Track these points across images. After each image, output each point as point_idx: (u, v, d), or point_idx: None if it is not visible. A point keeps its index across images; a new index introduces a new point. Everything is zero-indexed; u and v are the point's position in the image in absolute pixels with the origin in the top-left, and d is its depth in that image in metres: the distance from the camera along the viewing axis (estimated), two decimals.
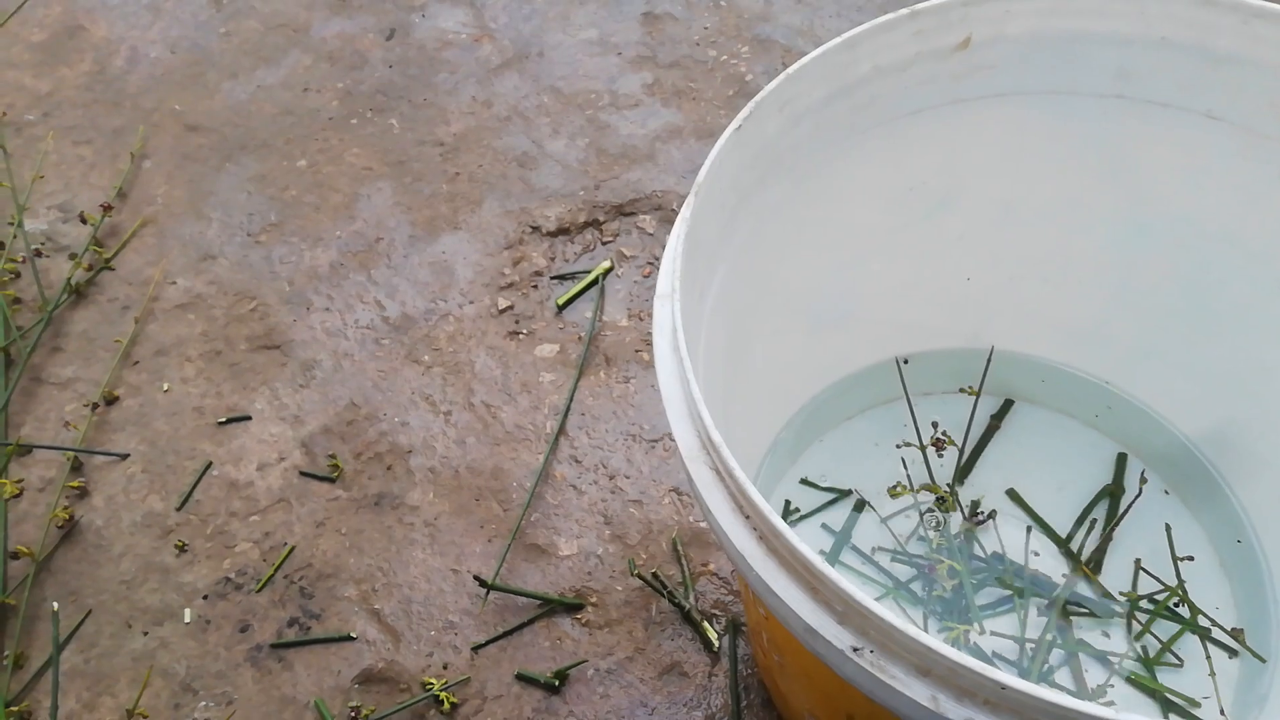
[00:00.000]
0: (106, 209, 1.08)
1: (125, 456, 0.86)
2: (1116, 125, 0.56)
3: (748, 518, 0.38)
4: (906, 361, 0.73)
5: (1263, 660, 0.59)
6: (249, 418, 0.87)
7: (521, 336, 0.92)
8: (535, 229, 1.02)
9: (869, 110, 0.54)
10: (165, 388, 0.91)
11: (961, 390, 0.74)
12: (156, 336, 0.96)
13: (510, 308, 0.94)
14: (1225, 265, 0.59)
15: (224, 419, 0.87)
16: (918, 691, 0.34)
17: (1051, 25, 0.54)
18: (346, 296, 0.97)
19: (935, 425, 0.72)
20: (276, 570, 0.77)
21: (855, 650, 0.34)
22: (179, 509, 0.81)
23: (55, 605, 0.75)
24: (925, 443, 0.71)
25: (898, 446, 0.72)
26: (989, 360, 0.71)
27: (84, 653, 0.74)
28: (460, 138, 1.12)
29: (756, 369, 0.65)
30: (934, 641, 0.32)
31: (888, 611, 0.33)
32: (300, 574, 0.77)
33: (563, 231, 1.02)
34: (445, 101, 1.17)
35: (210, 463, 0.84)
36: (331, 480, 0.82)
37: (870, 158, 0.57)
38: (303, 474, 0.83)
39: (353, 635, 0.72)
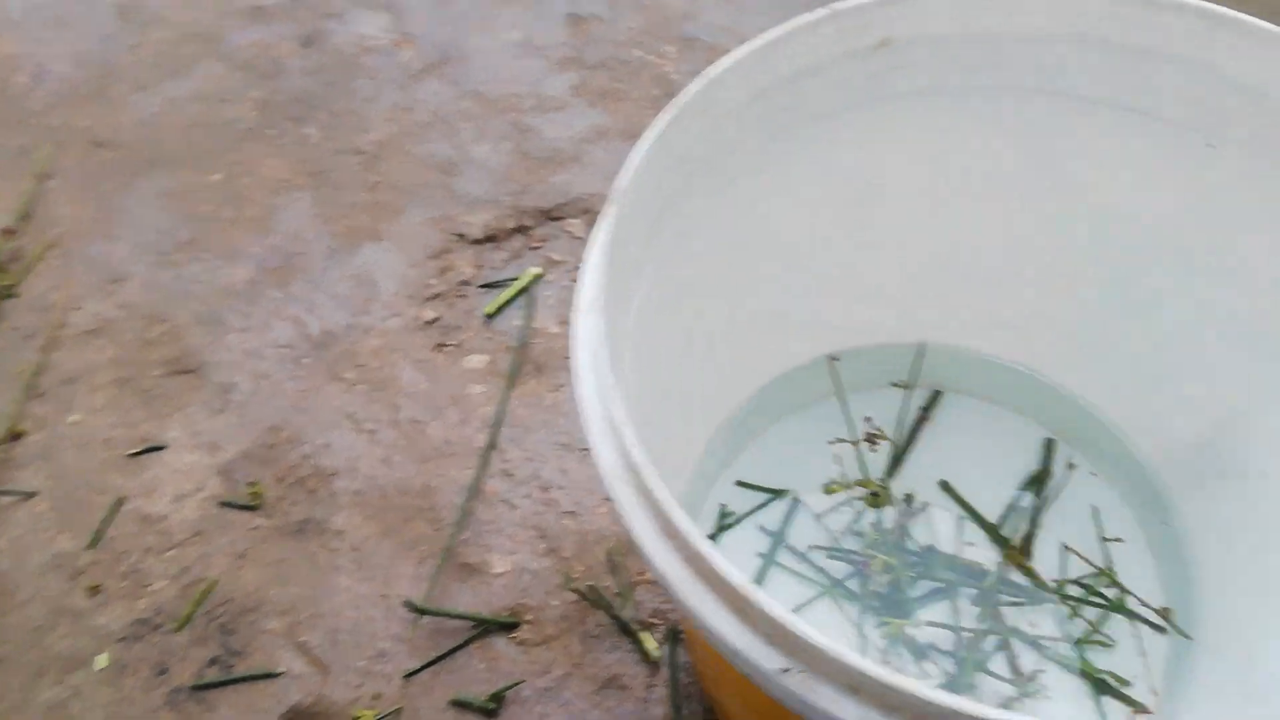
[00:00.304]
0: (8, 233, 1.03)
1: (32, 495, 0.81)
2: (1037, 120, 0.55)
3: (673, 539, 0.36)
4: (838, 359, 0.72)
5: (1189, 639, 0.60)
6: (163, 447, 0.84)
7: (449, 348, 0.89)
8: (460, 237, 0.99)
9: (792, 111, 0.53)
10: (73, 419, 0.87)
11: (893, 385, 0.73)
12: (63, 365, 0.91)
13: (436, 319, 0.92)
14: (1145, 254, 0.59)
15: (137, 450, 0.83)
16: (848, 710, 0.33)
17: (970, 23, 0.53)
18: (264, 314, 0.93)
19: (868, 420, 0.72)
20: (196, 607, 0.73)
21: (783, 671, 0.33)
22: (90, 547, 0.77)
23: None
24: (858, 438, 0.70)
25: (830, 443, 0.71)
26: (920, 355, 0.71)
27: None
28: (381, 145, 1.09)
29: (687, 374, 0.63)
30: (862, 661, 0.31)
31: (815, 633, 0.32)
32: (221, 609, 0.73)
33: (489, 239, 0.99)
34: (365, 109, 1.13)
35: (123, 497, 0.80)
36: (252, 509, 0.78)
37: (795, 158, 0.56)
38: (222, 504, 0.79)
39: (278, 671, 0.69)
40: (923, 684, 0.31)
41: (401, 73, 1.15)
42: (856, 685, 0.33)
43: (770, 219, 0.61)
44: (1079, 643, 0.61)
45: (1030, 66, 0.54)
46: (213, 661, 0.70)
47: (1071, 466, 0.69)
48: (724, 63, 0.47)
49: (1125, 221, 0.58)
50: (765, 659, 0.34)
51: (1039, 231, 0.63)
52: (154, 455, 0.83)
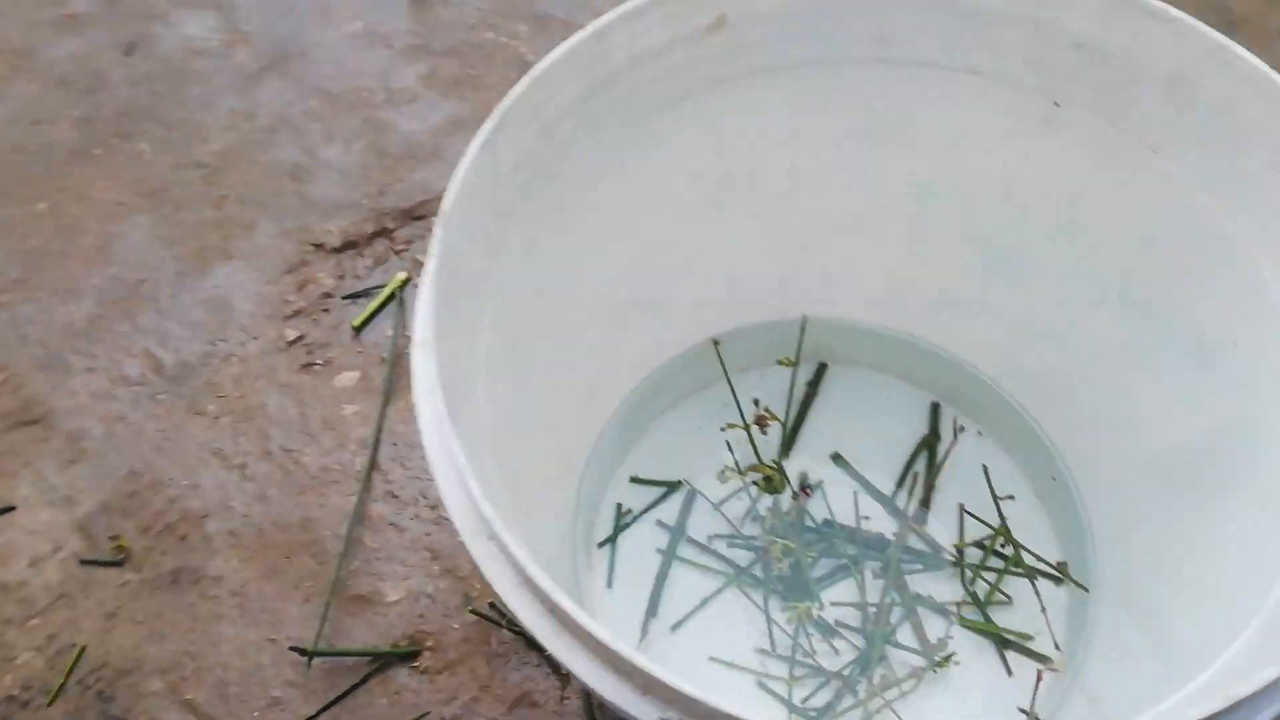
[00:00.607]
0: None
1: None
2: (883, 89, 0.55)
3: (536, 594, 0.34)
4: (719, 342, 0.71)
5: (1086, 590, 0.61)
6: (12, 508, 0.77)
7: (317, 368, 0.85)
8: (318, 247, 0.94)
9: (632, 101, 0.51)
10: None
11: (777, 362, 0.72)
12: None
13: (301, 338, 0.87)
14: (1003, 216, 0.60)
15: None
16: None
17: None
18: (111, 351, 0.87)
19: (756, 402, 0.71)
20: (67, 677, 0.68)
21: None
22: None
23: None
24: (749, 422, 0.70)
25: (722, 430, 0.70)
26: (802, 330, 0.70)
27: None
28: (222, 156, 1.03)
29: (562, 379, 0.62)
30: (739, 709, 0.30)
31: (686, 684, 0.30)
32: (96, 676, 0.68)
33: (349, 246, 0.95)
34: (201, 118, 1.06)
35: None
36: (119, 564, 0.73)
37: (644, 149, 0.54)
38: (84, 562, 0.74)
39: None
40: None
41: (237, 75, 1.08)
42: None
43: (626, 214, 0.59)
44: (981, 604, 0.62)
45: (870, 36, 0.53)
46: None
47: (961, 430, 0.69)
48: (549, 59, 0.45)
49: (982, 185, 0.59)
50: (644, 712, 0.32)
51: (902, 200, 0.63)
52: (4, 518, 0.77)
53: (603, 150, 0.54)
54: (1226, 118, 0.46)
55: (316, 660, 0.67)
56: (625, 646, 0.32)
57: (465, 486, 0.36)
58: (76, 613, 0.71)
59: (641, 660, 0.31)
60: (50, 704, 0.67)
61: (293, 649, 0.67)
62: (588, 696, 0.65)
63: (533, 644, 0.67)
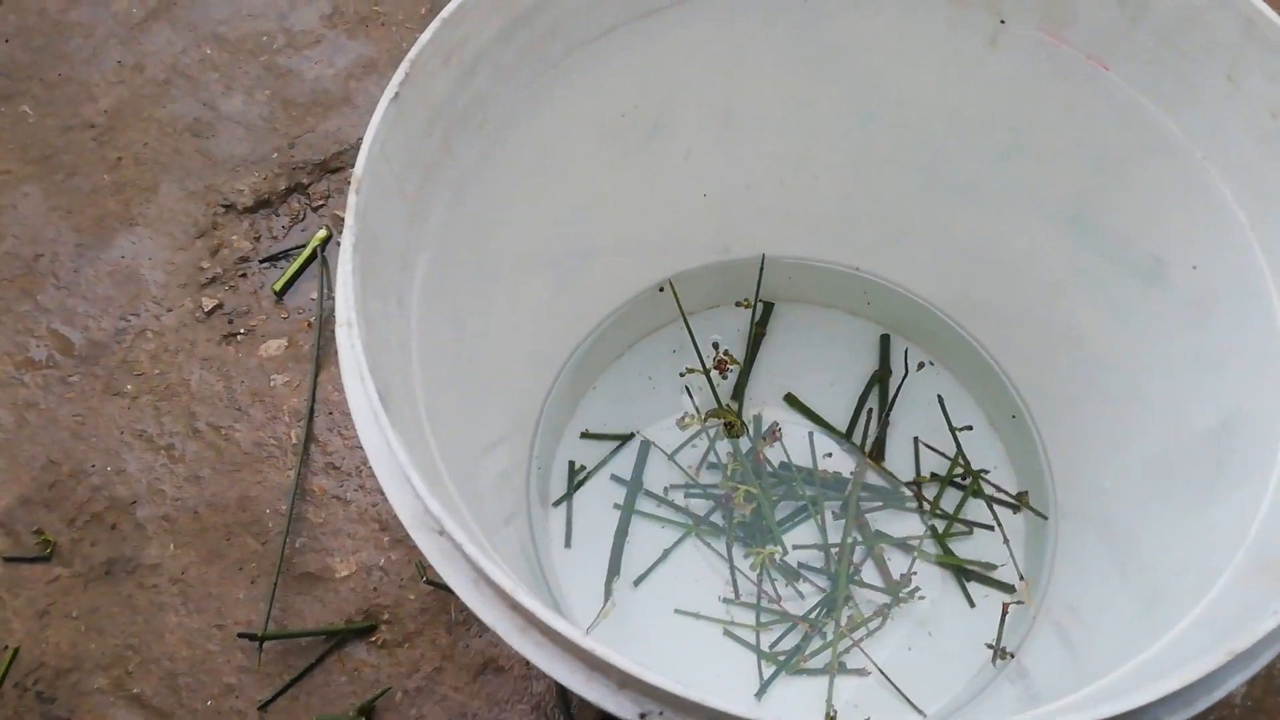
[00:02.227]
0: None
1: None
2: (819, 15, 0.52)
3: (491, 589, 0.32)
4: (662, 289, 0.69)
5: (1044, 517, 0.62)
6: None
7: (240, 337, 0.80)
8: (229, 207, 0.89)
9: (554, 39, 0.47)
10: None
11: (721, 305, 0.70)
12: None
13: (219, 306, 0.82)
14: (949, 141, 0.58)
15: None
16: None
17: None
18: (11, 333, 0.81)
19: (716, 346, 0.69)
20: (2, 681, 0.65)
21: (643, 717, 0.30)
22: None
23: None
24: (708, 366, 0.68)
25: (682, 375, 0.68)
26: (760, 270, 0.68)
27: None
28: (114, 115, 0.95)
29: (504, 337, 0.59)
30: (720, 702, 0.28)
31: (664, 678, 0.29)
32: (33, 677, 0.65)
33: (263, 204, 0.89)
34: (86, 73, 0.98)
35: None
36: (45, 559, 0.69)
37: (571, 90, 0.50)
38: (7, 560, 0.69)
39: None
40: (784, 715, 0.29)
41: (121, 24, 1.00)
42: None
43: (557, 160, 0.55)
44: (941, 536, 0.62)
45: None
46: None
47: (921, 366, 0.69)
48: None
49: (927, 110, 0.57)
50: (621, 706, 0.31)
51: (843, 131, 0.60)
52: None
53: (526, 93, 0.50)
54: (1179, 28, 0.45)
55: (269, 643, 0.65)
56: (596, 643, 0.30)
57: (409, 482, 0.33)
58: (5, 613, 0.67)
59: (618, 658, 0.29)
60: None
61: (241, 635, 0.64)
62: None
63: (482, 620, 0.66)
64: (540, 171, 0.53)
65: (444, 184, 0.45)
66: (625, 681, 0.31)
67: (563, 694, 0.62)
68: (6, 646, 0.66)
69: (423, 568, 0.67)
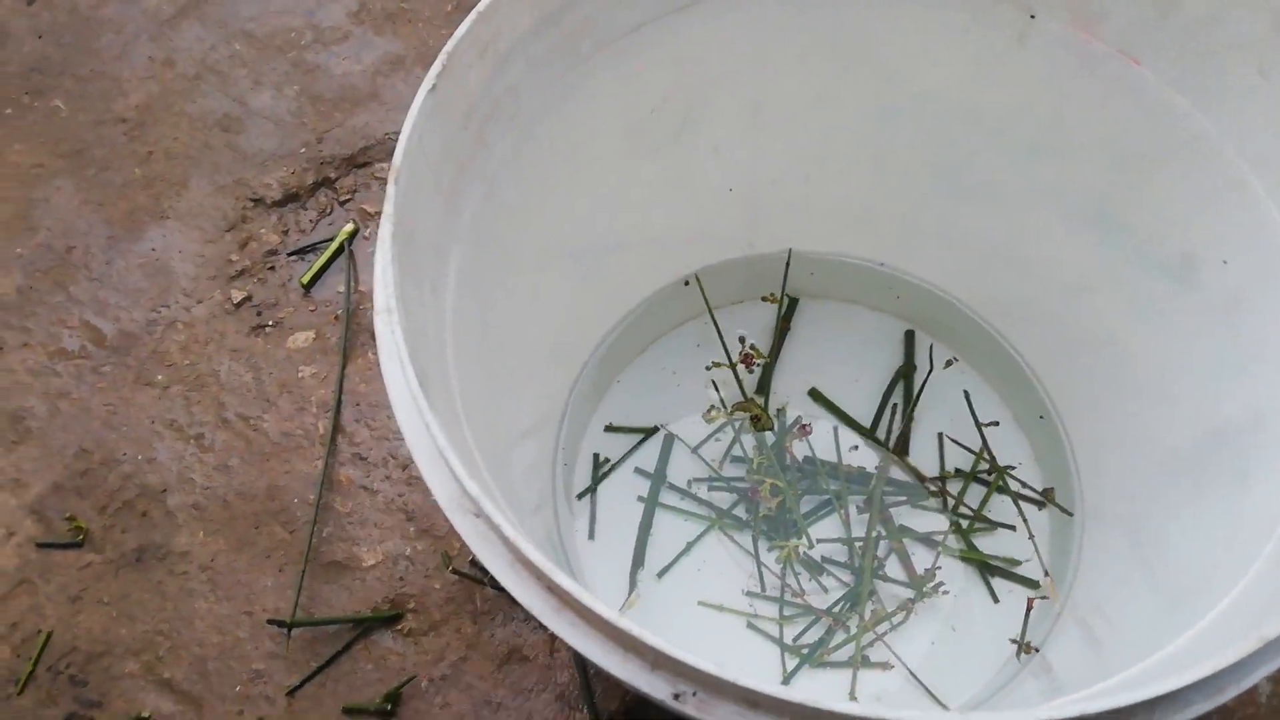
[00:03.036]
0: None
1: None
2: (847, 11, 0.52)
3: (529, 570, 0.33)
4: (688, 283, 0.69)
5: (1070, 514, 0.62)
6: None
7: (268, 329, 0.81)
8: (258, 201, 0.90)
9: (586, 34, 0.48)
10: None
11: (746, 300, 0.71)
12: None
13: (248, 299, 0.83)
14: (971, 137, 0.58)
15: None
16: None
17: None
18: (46, 325, 0.82)
19: (742, 340, 0.70)
20: (35, 664, 0.66)
21: (676, 697, 0.31)
22: None
23: None
24: (734, 360, 0.68)
25: (708, 368, 0.69)
26: (787, 265, 0.68)
27: None
28: (145, 110, 0.97)
29: (533, 330, 0.59)
30: (758, 683, 0.29)
31: (699, 659, 0.29)
32: (65, 661, 0.66)
33: (291, 198, 0.90)
34: (117, 69, 1.00)
35: None
36: (78, 545, 0.70)
37: (601, 84, 0.51)
38: (40, 545, 0.71)
39: (145, 716, 0.63)
40: (817, 696, 0.29)
41: (151, 20, 1.01)
42: (755, 701, 0.31)
43: (588, 153, 0.56)
44: (965, 531, 0.62)
45: None
46: (69, 719, 0.64)
47: (948, 363, 0.68)
48: None
49: (949, 108, 0.57)
50: (654, 686, 0.31)
51: (867, 127, 0.61)
52: None
53: (557, 87, 0.51)
54: (1210, 22, 0.45)
55: (297, 630, 0.65)
56: (632, 623, 0.30)
57: (447, 465, 0.34)
58: (39, 598, 0.69)
59: (653, 638, 0.30)
60: (20, 692, 0.65)
61: (271, 621, 0.65)
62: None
63: (517, 600, 0.66)
64: (569, 165, 0.54)
65: (478, 177, 0.46)
66: (659, 661, 0.31)
67: (586, 684, 0.62)
68: (40, 631, 0.67)
69: (448, 558, 0.68)
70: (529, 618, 0.65)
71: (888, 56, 0.55)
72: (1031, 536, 0.62)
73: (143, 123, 0.96)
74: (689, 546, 0.63)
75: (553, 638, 0.65)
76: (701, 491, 0.65)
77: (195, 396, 0.77)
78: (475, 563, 0.67)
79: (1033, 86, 0.53)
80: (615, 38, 0.49)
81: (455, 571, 0.67)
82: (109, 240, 0.87)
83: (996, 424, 0.66)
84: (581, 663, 0.63)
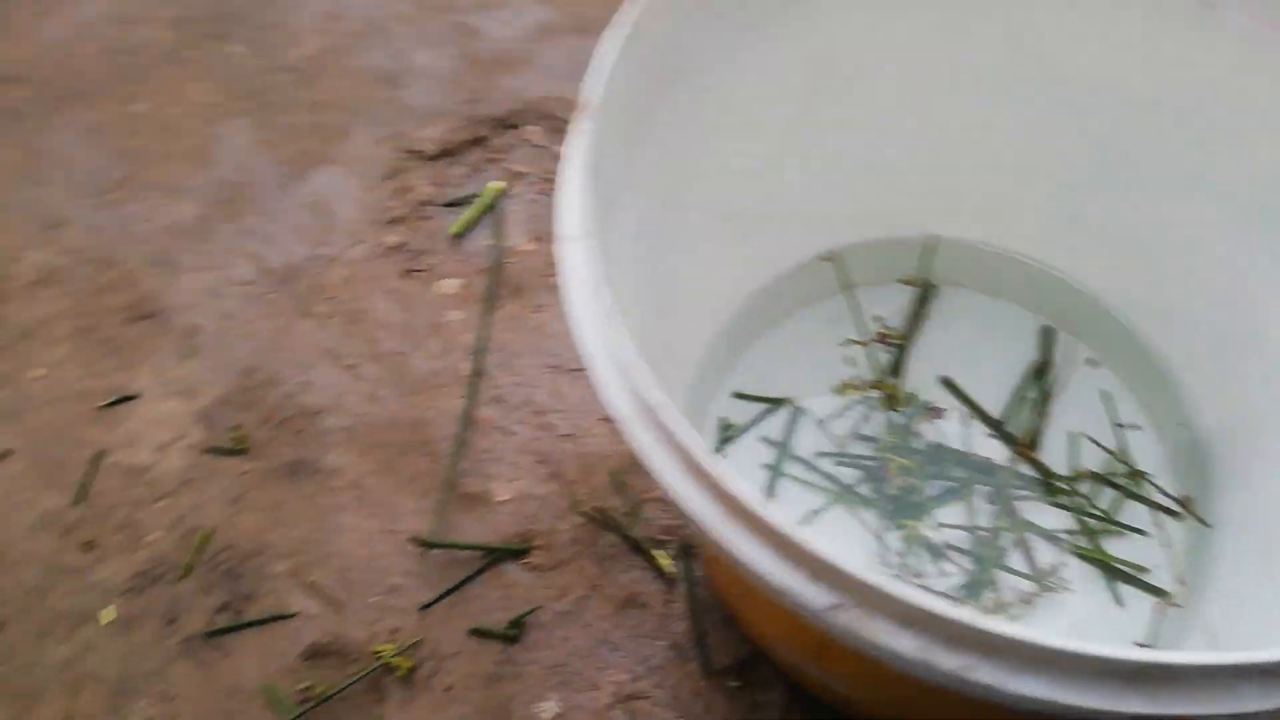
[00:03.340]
0: None
1: (6, 455, 0.78)
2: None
3: (702, 481, 0.36)
4: (827, 260, 0.71)
5: (1208, 526, 0.61)
6: (136, 396, 0.81)
7: (419, 274, 0.86)
8: (415, 154, 0.95)
9: None
10: (36, 374, 0.83)
11: (898, 282, 0.72)
12: (16, 319, 0.86)
13: (402, 244, 0.89)
14: (1133, 128, 0.58)
15: (109, 401, 0.80)
16: (904, 644, 0.33)
17: None
18: (219, 251, 0.89)
19: (879, 319, 0.72)
20: (197, 556, 0.72)
21: (834, 608, 0.33)
22: (77, 504, 0.75)
23: None
24: (868, 339, 0.70)
25: (840, 345, 0.71)
26: (929, 250, 0.70)
27: (2, 666, 0.68)
28: (314, 60, 1.03)
29: (678, 288, 0.62)
30: (918, 595, 0.31)
31: (868, 571, 0.32)
32: (223, 556, 0.72)
33: (445, 153, 0.95)
34: (291, 20, 1.07)
35: (102, 450, 0.78)
36: (240, 453, 0.77)
37: (769, 48, 0.53)
38: (206, 450, 0.77)
39: (292, 612, 0.69)
40: (980, 615, 0.32)
41: None
42: (911, 618, 0.33)
43: (748, 116, 0.58)
44: (1092, 533, 0.63)
45: None
46: (223, 608, 0.70)
47: (1089, 363, 0.69)
48: None
49: (1113, 96, 0.57)
50: (813, 597, 0.34)
51: (1025, 112, 0.61)
52: (128, 406, 0.80)
53: (727, 48, 0.53)
54: None
55: (433, 552, 0.70)
56: (798, 530, 0.33)
57: (627, 376, 0.37)
58: (202, 498, 0.75)
59: (821, 548, 0.33)
60: (181, 579, 0.71)
61: (412, 540, 0.70)
62: (693, 600, 0.67)
63: (639, 548, 0.70)
64: (733, 125, 0.56)
65: (653, 122, 0.49)
66: (822, 572, 0.34)
67: (701, 637, 0.66)
68: (203, 526, 0.73)
69: (576, 502, 0.72)
70: (648, 567, 0.69)
71: (1053, 42, 0.55)
72: (1165, 545, 0.61)
73: (312, 73, 1.02)
74: (811, 517, 0.65)
75: (668, 590, 0.68)
76: (827, 466, 0.67)
77: (351, 329, 0.83)
78: (601, 509, 0.71)
79: (1204, 75, 0.52)
80: (787, 3, 0.52)
81: (583, 514, 0.71)
82: (279, 179, 0.93)
83: (1138, 428, 0.66)
84: (697, 615, 0.67)
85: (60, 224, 0.93)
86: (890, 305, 0.72)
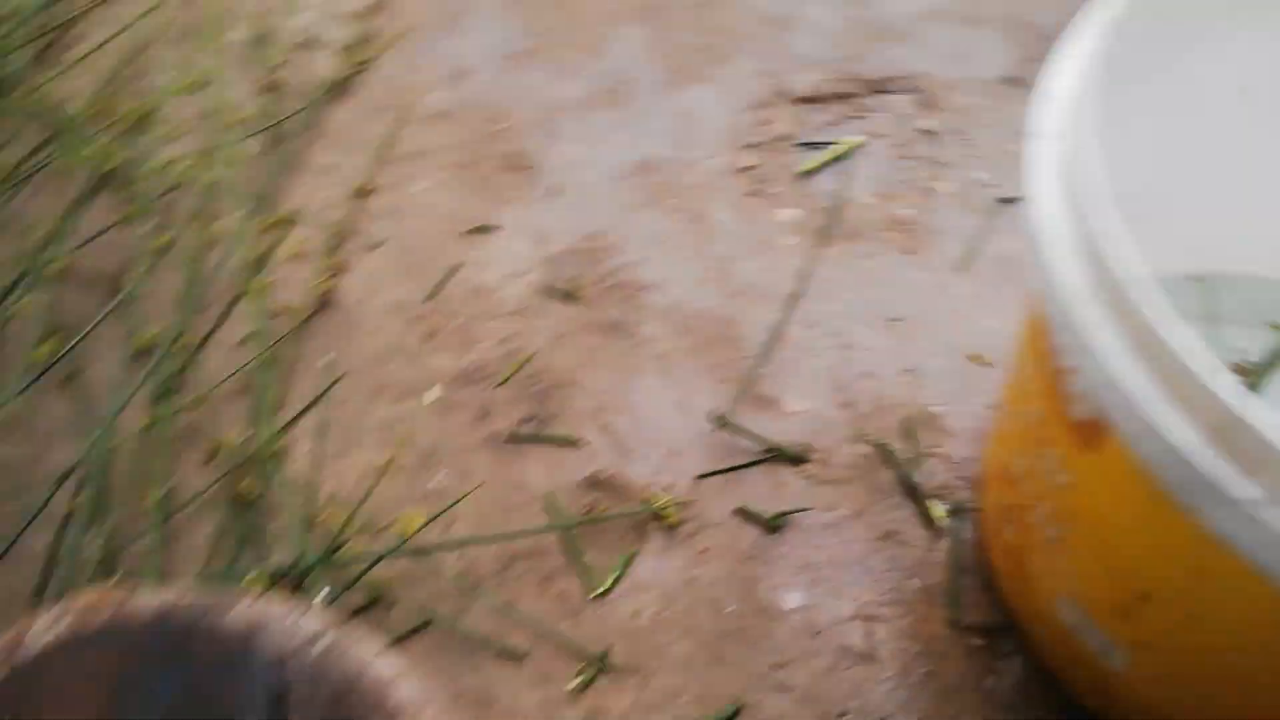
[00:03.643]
0: (364, 15, 1.11)
1: (380, 244, 0.90)
2: None
3: (1190, 397, 0.36)
4: (1200, 280, 0.70)
5: None
6: (497, 229, 0.91)
7: (762, 197, 0.92)
8: (784, 93, 1.01)
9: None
10: (417, 189, 0.95)
11: (1253, 322, 0.70)
12: (412, 141, 0.99)
13: (753, 167, 0.94)
14: None
15: (472, 227, 0.91)
16: None
17: None
18: (594, 131, 0.98)
19: (1238, 351, 0.69)
20: (517, 370, 0.81)
21: (1263, 501, 0.34)
22: (428, 300, 0.86)
23: (330, 355, 0.82)
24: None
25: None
26: None
27: (336, 410, 0.79)
28: None
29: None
30: None
31: None
32: (537, 379, 0.80)
33: (812, 99, 1.00)
34: None
35: (458, 264, 0.88)
36: (572, 300, 0.85)
37: (1211, 54, 0.54)
38: (543, 290, 0.86)
39: (585, 442, 0.76)
40: None
41: None
42: None
43: (1200, 105, 0.58)
44: None
45: None
46: (528, 419, 0.78)
47: None
48: None
49: None
50: (1242, 489, 0.34)
51: None
52: (487, 236, 0.91)
53: (1175, 50, 0.54)
54: None
55: (720, 432, 0.75)
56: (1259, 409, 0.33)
57: (1090, 249, 0.39)
58: (530, 327, 0.84)
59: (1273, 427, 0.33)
60: (499, 386, 0.80)
61: (710, 415, 0.76)
62: (956, 556, 0.69)
63: (913, 493, 0.72)
64: (1186, 117, 0.57)
65: (1127, 100, 0.51)
66: (1266, 463, 0.34)
67: (954, 591, 0.67)
68: (526, 350, 0.82)
69: (860, 432, 0.74)
70: (917, 514, 0.70)
71: None
72: None
73: (711, 2, 1.10)
74: None
75: (933, 538, 0.70)
76: None
77: (691, 226, 0.89)
78: (885, 446, 0.74)
79: None
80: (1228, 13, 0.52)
81: (868, 442, 0.74)
82: (657, 85, 1.02)
83: None
84: (956, 569, 0.68)
85: (466, 74, 1.05)
86: (1253, 341, 0.70)
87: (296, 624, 0.44)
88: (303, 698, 0.42)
